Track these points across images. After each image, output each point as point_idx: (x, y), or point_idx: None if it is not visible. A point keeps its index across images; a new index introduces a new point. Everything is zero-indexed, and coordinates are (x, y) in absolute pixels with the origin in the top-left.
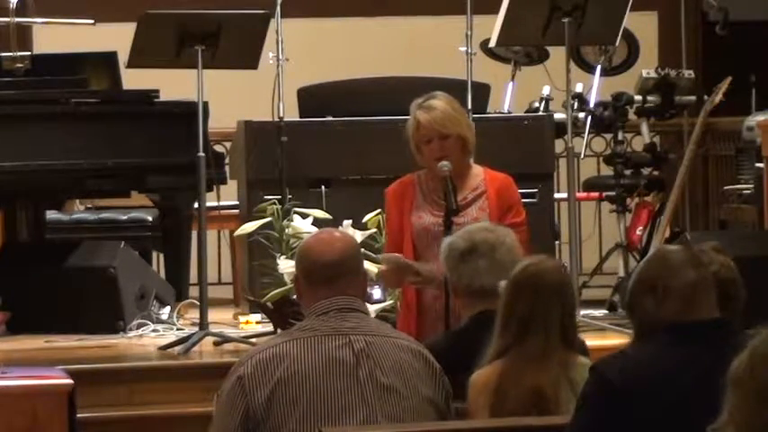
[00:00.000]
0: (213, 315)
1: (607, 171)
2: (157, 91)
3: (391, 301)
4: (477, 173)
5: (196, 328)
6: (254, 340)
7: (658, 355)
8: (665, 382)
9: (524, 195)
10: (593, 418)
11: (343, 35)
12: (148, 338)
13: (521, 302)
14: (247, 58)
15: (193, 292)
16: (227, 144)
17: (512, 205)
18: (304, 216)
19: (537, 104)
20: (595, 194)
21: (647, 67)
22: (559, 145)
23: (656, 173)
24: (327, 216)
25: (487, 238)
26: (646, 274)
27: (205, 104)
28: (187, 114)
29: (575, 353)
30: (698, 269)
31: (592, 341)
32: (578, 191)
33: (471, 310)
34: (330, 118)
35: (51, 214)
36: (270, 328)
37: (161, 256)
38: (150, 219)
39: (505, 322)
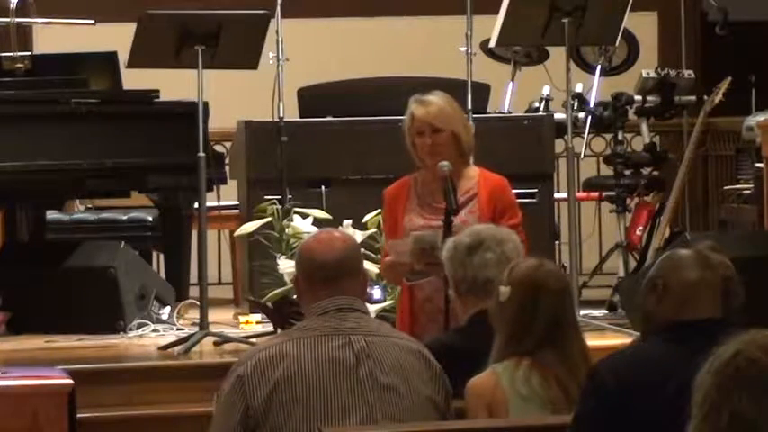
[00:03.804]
0: (213, 315)
1: (607, 171)
2: (157, 91)
3: (391, 301)
4: (473, 175)
5: (196, 328)
6: (254, 340)
7: (654, 354)
8: (661, 382)
9: (524, 195)
10: (592, 419)
11: (343, 35)
12: (148, 338)
13: (547, 303)
14: (247, 58)
15: (193, 292)
16: (227, 144)
17: (506, 208)
18: (304, 216)
19: (537, 104)
20: (595, 194)
21: (647, 67)
22: (559, 145)
23: (656, 173)
24: (327, 216)
25: (495, 234)
26: (652, 272)
27: (205, 104)
28: (187, 114)
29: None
30: (702, 270)
31: (591, 341)
32: (578, 191)
33: (473, 308)
34: (330, 118)
35: (51, 214)
36: (270, 328)
37: (161, 256)
38: (150, 219)
39: (530, 323)
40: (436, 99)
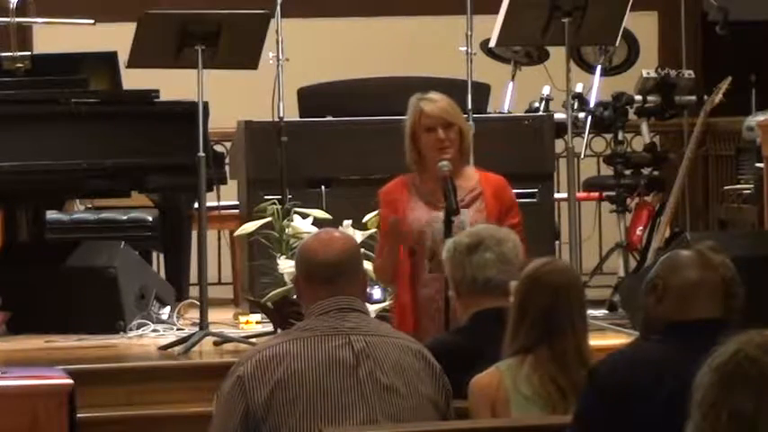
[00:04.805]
0: (213, 315)
1: (607, 171)
2: (157, 91)
3: (391, 301)
4: (472, 174)
5: (196, 328)
6: (254, 340)
7: (654, 354)
8: (660, 382)
9: (524, 195)
10: (591, 419)
11: (343, 35)
12: (148, 338)
13: (540, 299)
14: (247, 58)
15: (193, 292)
16: (227, 144)
17: (510, 207)
18: (304, 216)
19: (537, 104)
20: (595, 194)
21: (647, 67)
22: (559, 145)
23: (656, 173)
24: (327, 216)
25: (494, 234)
26: (652, 273)
27: (205, 104)
28: (187, 114)
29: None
30: (702, 270)
31: (592, 341)
32: (578, 191)
33: (473, 308)
34: (330, 118)
35: (51, 214)
36: (270, 328)
37: (161, 256)
38: (150, 219)
39: (523, 319)
40: (441, 97)
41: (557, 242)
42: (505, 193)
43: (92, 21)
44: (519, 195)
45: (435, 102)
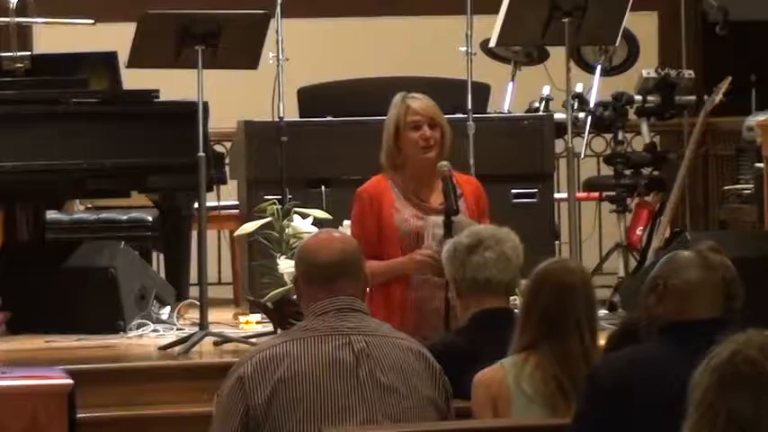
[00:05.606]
0: (213, 315)
1: (607, 171)
2: (157, 91)
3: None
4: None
5: (196, 328)
6: (254, 340)
7: (654, 354)
8: (660, 382)
9: (524, 195)
10: (591, 419)
11: (343, 35)
12: (148, 338)
13: (545, 297)
14: (247, 58)
15: (193, 292)
16: (227, 144)
17: (484, 208)
18: (304, 216)
19: (537, 104)
20: (595, 194)
21: (647, 67)
22: (559, 145)
23: (656, 173)
24: (327, 216)
25: (494, 234)
26: (653, 273)
27: (205, 104)
28: (187, 114)
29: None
30: (702, 271)
31: None
32: (578, 191)
33: (474, 308)
34: (330, 118)
35: (51, 214)
36: (270, 328)
37: (161, 256)
38: (150, 219)
39: (529, 316)
40: (425, 96)
41: (557, 242)
42: (483, 195)
43: (92, 21)
44: (519, 195)
45: (422, 99)
